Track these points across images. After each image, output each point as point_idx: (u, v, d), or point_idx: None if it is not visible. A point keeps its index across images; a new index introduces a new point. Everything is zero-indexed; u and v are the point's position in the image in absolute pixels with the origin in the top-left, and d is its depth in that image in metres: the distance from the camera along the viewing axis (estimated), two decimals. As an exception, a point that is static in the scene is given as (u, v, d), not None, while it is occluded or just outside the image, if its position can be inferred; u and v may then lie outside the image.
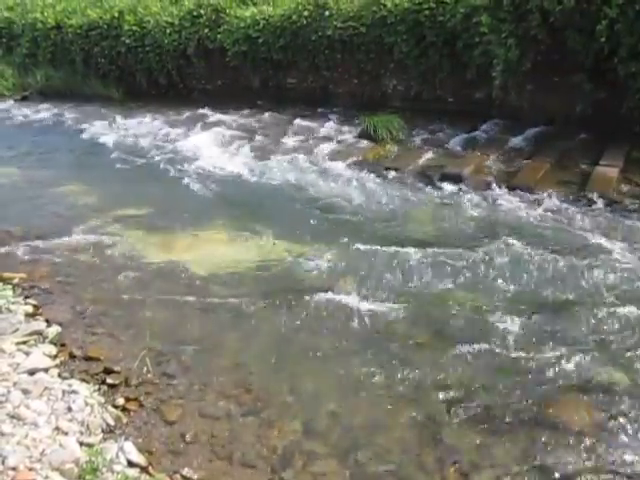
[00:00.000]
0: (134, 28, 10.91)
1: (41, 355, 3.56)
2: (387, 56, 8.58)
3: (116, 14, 11.18)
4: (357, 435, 2.99)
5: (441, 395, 3.21)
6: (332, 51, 9.03)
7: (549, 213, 5.33)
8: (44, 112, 11.12)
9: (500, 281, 4.25)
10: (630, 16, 5.75)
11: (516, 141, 7.07)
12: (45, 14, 12.34)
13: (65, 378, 3.38)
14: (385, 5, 8.24)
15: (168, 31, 10.54)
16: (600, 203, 5.35)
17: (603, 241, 4.71)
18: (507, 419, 3.02)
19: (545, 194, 5.64)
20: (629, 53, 5.92)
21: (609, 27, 5.87)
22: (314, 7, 9.01)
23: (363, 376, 3.40)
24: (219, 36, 10.01)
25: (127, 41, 11.00)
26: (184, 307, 4.15)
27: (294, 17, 9.15)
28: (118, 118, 10.04)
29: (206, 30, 10.15)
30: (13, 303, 4.14)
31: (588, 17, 6.00)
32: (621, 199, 5.36)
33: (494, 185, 5.94)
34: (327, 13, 8.85)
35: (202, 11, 10.20)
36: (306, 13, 9.03)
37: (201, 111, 10.01)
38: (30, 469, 2.62)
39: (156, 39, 10.71)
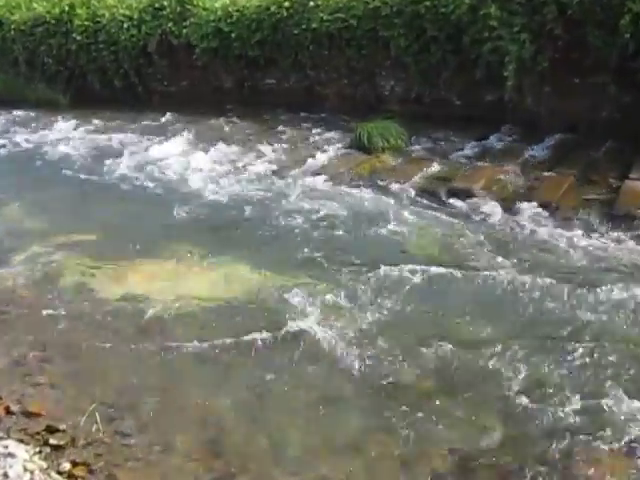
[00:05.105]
0: (86, 23, 11.03)
1: (-31, 412, 3.52)
2: (382, 52, 8.71)
3: (66, 7, 11.29)
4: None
5: (448, 453, 3.20)
6: (318, 47, 9.15)
7: (573, 235, 5.38)
8: (-23, 121, 11.15)
9: (515, 314, 4.29)
10: (657, 11, 5.91)
11: (534, 151, 7.17)
12: (-18, 8, 12.44)
13: (0, 438, 3.34)
14: (379, -6, 8.41)
15: (126, 26, 10.64)
16: (632, 222, 5.41)
17: (636, 269, 4.75)
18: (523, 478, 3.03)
19: (569, 213, 5.72)
20: (656, 52, 6.06)
21: (634, 22, 6.01)
22: (296, -4, 9.16)
23: (357, 432, 3.39)
24: (185, 31, 10.12)
25: (78, 38, 11.10)
26: (142, 352, 4.13)
27: (273, 8, 9.28)
28: (65, 127, 10.09)
29: (170, 24, 10.26)
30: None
31: (610, 11, 6.16)
32: (656, 218, 5.44)
33: (509, 202, 6.02)
34: (312, 3, 9.00)
35: (165, 2, 10.34)
36: (287, 3, 9.17)
37: (163, 117, 10.09)
38: None
39: (111, 35, 10.82)
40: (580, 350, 3.85)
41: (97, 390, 3.76)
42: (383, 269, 4.93)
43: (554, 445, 3.21)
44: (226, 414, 3.57)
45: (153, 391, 3.76)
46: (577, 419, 3.34)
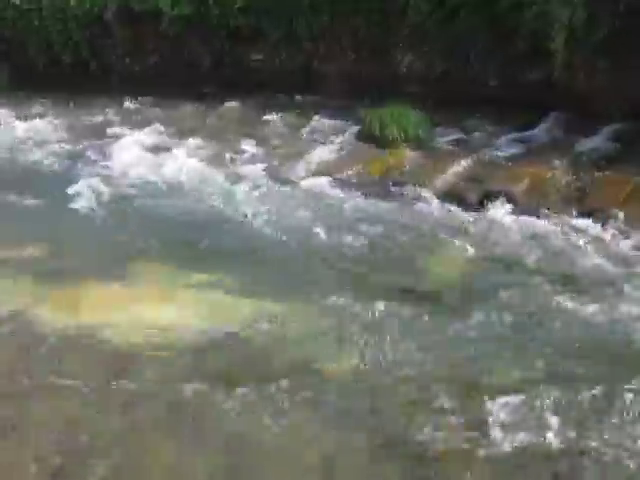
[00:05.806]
0: (28, -15, 11.12)
1: None
2: (398, 20, 8.75)
3: (3, -33, 11.39)
4: None
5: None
6: (317, 13, 9.20)
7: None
8: None
9: (563, 352, 4.30)
10: None
11: (588, 143, 7.21)
12: None
13: None
14: (393, -52, 8.47)
15: (76, -12, 10.74)
16: None
17: None
18: None
19: (633, 222, 5.76)
20: None
21: None
22: (290, -49, 9.23)
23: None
24: (151, -6, 10.21)
25: (16, 3, 11.17)
26: (96, 397, 4.13)
27: (261, -34, 9.37)
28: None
29: (132, -15, 10.35)
30: None
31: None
32: None
33: (559, 209, 6.07)
34: (309, -41, 9.08)
35: (126, -42, 10.42)
36: (279, -40, 9.26)
37: (124, 103, 10.16)
38: None
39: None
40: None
41: (40, 447, 3.74)
42: (398, 296, 4.98)
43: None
44: (202, 476, 3.56)
45: (112, 447, 3.75)
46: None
